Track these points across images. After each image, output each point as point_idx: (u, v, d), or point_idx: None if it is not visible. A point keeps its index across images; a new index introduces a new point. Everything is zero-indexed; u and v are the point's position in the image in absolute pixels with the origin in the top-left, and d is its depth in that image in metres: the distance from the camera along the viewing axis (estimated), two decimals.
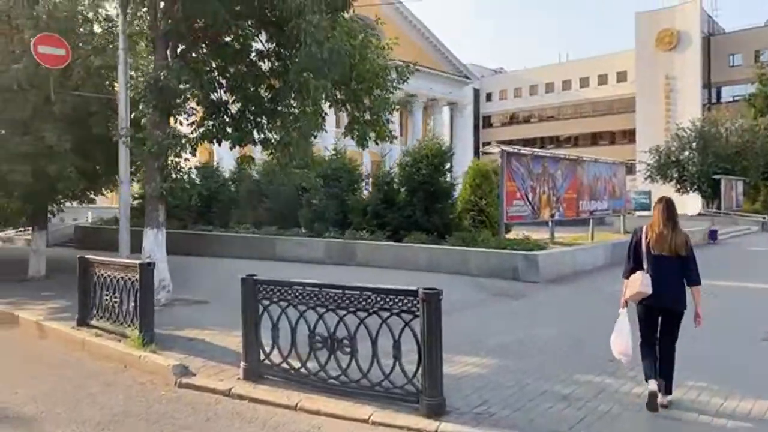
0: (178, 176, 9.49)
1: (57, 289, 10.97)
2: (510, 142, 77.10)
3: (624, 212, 19.88)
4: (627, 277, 4.83)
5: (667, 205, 4.78)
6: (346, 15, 10.99)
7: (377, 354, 4.67)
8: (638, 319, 4.84)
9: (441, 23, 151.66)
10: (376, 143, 11.65)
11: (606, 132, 72.01)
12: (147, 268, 6.66)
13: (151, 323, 6.68)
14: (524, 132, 79.37)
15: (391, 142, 11.87)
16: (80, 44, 11.70)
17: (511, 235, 18.07)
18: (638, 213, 47.68)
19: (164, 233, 9.52)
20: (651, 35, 63.68)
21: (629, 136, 68.86)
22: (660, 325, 4.79)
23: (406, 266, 13.06)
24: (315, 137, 11.07)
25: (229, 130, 11.01)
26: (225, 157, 26.89)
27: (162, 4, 9.16)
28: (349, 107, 10.88)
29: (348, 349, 4.76)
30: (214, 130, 10.87)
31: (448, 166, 15.25)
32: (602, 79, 72.01)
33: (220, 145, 11.21)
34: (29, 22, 10.46)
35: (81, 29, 12.07)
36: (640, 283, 4.59)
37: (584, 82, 73.41)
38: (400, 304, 4.51)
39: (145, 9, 9.37)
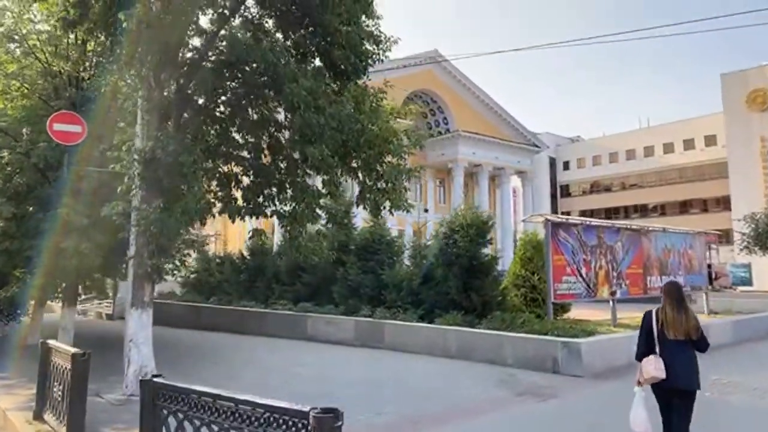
0: (174, 254, 8.84)
1: None
2: (591, 212, 74.23)
3: (706, 289, 17.31)
4: (640, 360, 4.99)
5: (675, 289, 5.03)
6: (359, 82, 10.45)
7: None
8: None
9: (518, 96, 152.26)
10: (391, 213, 10.63)
11: (696, 200, 67.07)
12: (80, 359, 5.83)
13: (79, 425, 5.77)
14: (605, 201, 75.79)
15: (407, 212, 10.83)
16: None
17: (571, 315, 16.19)
18: (740, 288, 42.89)
19: (150, 314, 8.81)
20: (740, 96, 59.98)
21: (723, 203, 63.74)
22: (675, 406, 4.82)
23: (435, 351, 11.65)
24: (320, 208, 10.22)
25: (240, 203, 10.53)
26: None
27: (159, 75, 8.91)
28: (360, 175, 10.03)
29: None
30: (223, 202, 10.42)
31: (489, 237, 13.84)
32: (688, 144, 67.98)
33: (232, 219, 10.66)
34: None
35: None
36: (654, 367, 4.77)
37: (668, 148, 69.62)
38: (291, 425, 3.34)
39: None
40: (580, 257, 13.05)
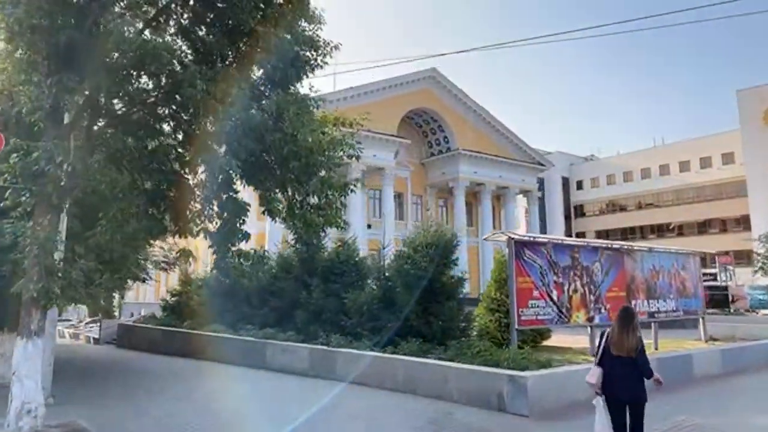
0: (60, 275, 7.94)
1: None
2: (607, 233, 72.28)
3: (702, 313, 15.93)
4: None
5: (625, 314, 5.57)
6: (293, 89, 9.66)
7: None
8: None
9: (530, 115, 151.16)
10: (323, 232, 9.71)
11: (715, 219, 64.87)
12: None
13: None
14: (621, 221, 73.99)
15: (340, 229, 9.91)
16: None
17: (551, 342, 14.97)
18: (762, 312, 40.64)
19: (39, 344, 7.92)
20: (758, 112, 58.36)
21: (743, 222, 61.54)
22: (628, 416, 5.34)
23: (385, 383, 10.59)
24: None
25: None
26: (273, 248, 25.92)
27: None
28: (290, 190, 9.14)
29: None
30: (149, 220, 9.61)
31: (454, 257, 12.80)
32: (705, 162, 66.10)
33: (153, 239, 9.85)
34: None
35: None
36: (590, 374, 5.45)
37: (684, 166, 67.78)
38: None
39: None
40: (550, 279, 11.92)
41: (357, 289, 14.51)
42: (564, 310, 12.10)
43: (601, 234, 71.06)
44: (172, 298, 24.30)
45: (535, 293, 11.59)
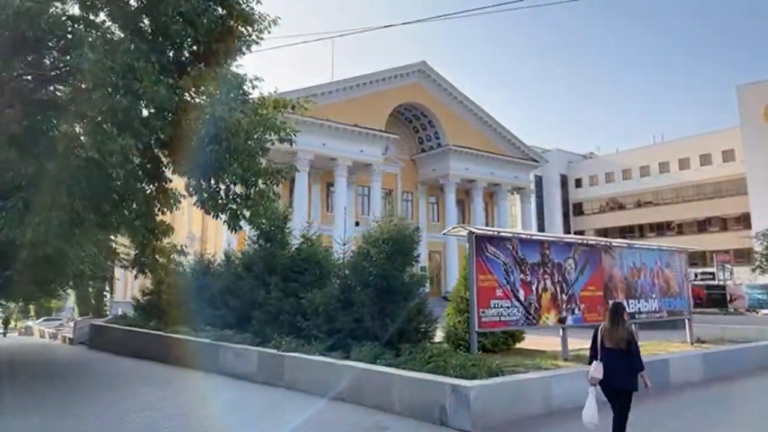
0: None
1: None
2: (605, 231, 71.20)
3: (688, 314, 14.93)
4: (590, 363, 5.96)
5: (614, 308, 6.09)
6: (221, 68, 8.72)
7: None
8: None
9: (528, 112, 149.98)
10: (251, 223, 8.77)
11: (715, 217, 63.69)
12: None
13: None
14: (620, 219, 72.91)
15: (279, 222, 8.97)
16: None
17: (525, 345, 14.01)
18: (763, 311, 39.44)
19: None
20: (758, 109, 57.21)
21: (744, 221, 60.38)
22: (617, 401, 5.86)
23: (329, 392, 9.64)
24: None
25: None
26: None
27: None
28: (212, 177, 8.21)
29: None
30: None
31: (415, 253, 11.84)
32: (705, 159, 64.93)
33: (71, 234, 8.90)
34: None
35: None
36: (593, 369, 5.84)
37: (684, 164, 66.63)
38: None
39: None
40: (516, 277, 10.96)
41: (318, 289, 13.58)
42: (532, 311, 11.15)
43: (600, 232, 69.90)
44: (144, 297, 23.49)
45: (499, 292, 10.64)
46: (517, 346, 13.79)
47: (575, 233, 71.73)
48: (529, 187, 44.50)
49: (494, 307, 10.53)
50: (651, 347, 14.17)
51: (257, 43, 9.32)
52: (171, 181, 8.97)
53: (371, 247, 11.73)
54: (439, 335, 13.25)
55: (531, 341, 14.30)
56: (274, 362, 11.31)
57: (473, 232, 10.48)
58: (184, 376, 13.22)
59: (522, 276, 11.09)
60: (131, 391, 11.41)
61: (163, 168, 8.07)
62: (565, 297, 11.77)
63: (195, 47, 8.26)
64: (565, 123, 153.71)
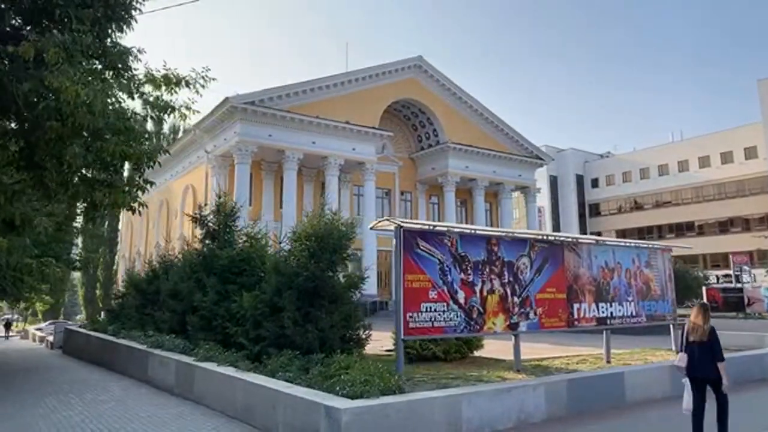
0: None
1: None
2: (623, 232, 68.69)
3: (672, 319, 13.31)
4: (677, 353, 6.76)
5: (702, 306, 6.67)
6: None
7: None
8: None
9: (542, 113, 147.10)
10: (104, 213, 7.60)
11: (737, 218, 60.92)
12: None
13: None
14: (637, 220, 70.49)
15: (134, 212, 7.80)
16: None
17: (484, 353, 12.59)
18: None
19: None
20: None
21: None
22: (698, 391, 6.37)
23: (228, 408, 8.44)
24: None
25: None
26: None
27: None
28: (66, 163, 7.04)
29: None
30: None
31: (347, 252, 10.56)
32: (726, 157, 62.25)
33: None
34: None
35: None
36: (679, 359, 6.55)
37: (704, 162, 63.99)
38: None
39: None
40: (456, 277, 9.58)
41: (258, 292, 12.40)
42: (474, 315, 9.74)
43: (618, 234, 67.58)
44: (115, 300, 22.70)
45: (432, 294, 9.27)
46: (475, 354, 12.39)
47: (592, 234, 69.44)
48: (534, 185, 42.70)
49: (426, 311, 9.16)
50: (628, 357, 12.67)
51: (138, 10, 8.20)
52: None
53: (296, 245, 10.53)
54: (390, 343, 12.00)
55: (495, 348, 12.89)
56: (187, 373, 10.14)
57: (401, 226, 9.14)
58: (111, 385, 12.18)
59: (463, 276, 9.71)
60: (36, 400, 10.38)
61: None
62: (517, 300, 10.34)
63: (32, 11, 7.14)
64: (581, 123, 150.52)
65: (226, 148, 31.64)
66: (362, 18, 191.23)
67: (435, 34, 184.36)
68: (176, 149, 39.32)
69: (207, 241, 14.72)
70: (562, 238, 11.46)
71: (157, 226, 42.19)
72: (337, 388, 6.72)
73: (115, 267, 60.28)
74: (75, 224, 14.58)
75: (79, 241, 25.58)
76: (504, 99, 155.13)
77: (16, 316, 74.42)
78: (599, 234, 67.49)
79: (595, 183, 77.00)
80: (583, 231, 73.92)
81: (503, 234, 10.57)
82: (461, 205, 42.09)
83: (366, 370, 7.44)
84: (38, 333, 36.70)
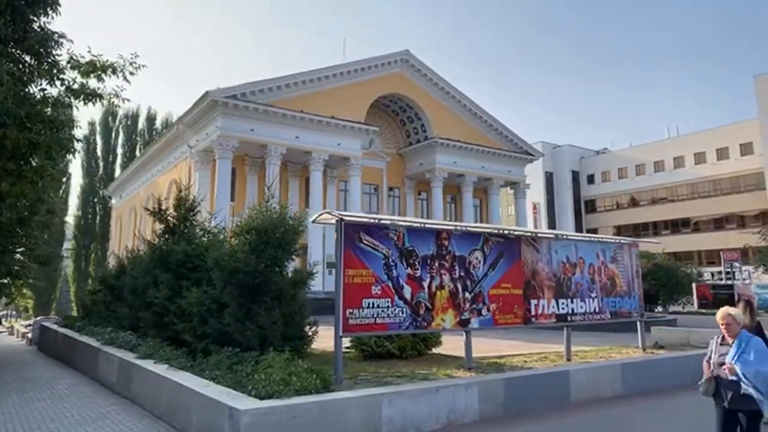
0: None
1: None
2: (619, 229, 68.35)
3: (639, 315, 12.97)
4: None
5: (748, 303, 7.65)
6: None
7: None
8: None
9: (539, 110, 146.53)
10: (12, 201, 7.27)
11: (732, 214, 60.47)
12: None
13: None
14: (634, 216, 70.01)
15: (45, 202, 7.47)
16: None
17: (443, 350, 12.23)
18: None
19: None
20: None
21: (763, 217, 57.22)
22: None
23: (156, 408, 8.13)
24: None
25: None
26: None
27: None
28: None
29: None
30: None
31: (294, 247, 10.22)
32: (722, 153, 61.80)
33: None
34: None
35: None
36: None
37: (700, 158, 63.57)
38: None
39: None
40: (402, 272, 9.24)
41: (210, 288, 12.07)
42: (422, 311, 9.40)
43: (614, 230, 67.24)
44: (89, 296, 22.40)
45: (376, 290, 8.93)
46: (433, 351, 12.05)
47: (588, 231, 68.98)
48: (523, 181, 42.29)
49: (369, 307, 8.82)
50: (593, 354, 12.32)
51: None
52: None
53: (240, 239, 10.19)
54: (347, 341, 11.65)
55: (458, 346, 12.53)
56: (127, 371, 9.84)
57: (342, 219, 8.80)
58: (59, 383, 11.93)
59: (410, 271, 9.37)
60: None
61: None
62: (469, 295, 9.99)
63: None
64: (577, 120, 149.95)
65: (207, 143, 31.29)
66: (356, 20, 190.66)
67: (428, 33, 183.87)
68: (161, 144, 39.02)
69: (166, 236, 14.40)
70: (518, 233, 11.09)
71: (144, 221, 41.89)
72: (250, 388, 6.39)
73: (106, 262, 60.14)
74: (38, 218, 14.20)
75: (46, 235, 25.25)
76: (500, 98, 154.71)
77: (13, 313, 74.34)
78: (596, 230, 67.16)
79: (591, 179, 76.64)
80: (579, 227, 73.52)
81: (453, 228, 10.22)
82: (451, 201, 41.72)
83: (286, 369, 7.11)
84: (22, 329, 36.47)
